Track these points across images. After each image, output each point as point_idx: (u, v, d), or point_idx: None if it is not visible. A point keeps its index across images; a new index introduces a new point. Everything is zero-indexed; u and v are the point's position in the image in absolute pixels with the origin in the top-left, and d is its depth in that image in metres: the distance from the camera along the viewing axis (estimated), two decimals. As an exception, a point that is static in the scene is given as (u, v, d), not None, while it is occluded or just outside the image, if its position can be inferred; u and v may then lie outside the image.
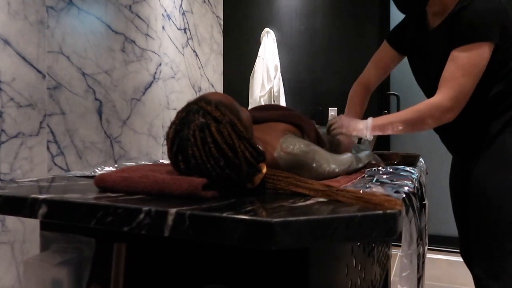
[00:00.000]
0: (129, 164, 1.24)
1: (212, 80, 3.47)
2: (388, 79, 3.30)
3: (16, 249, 1.69)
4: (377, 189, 0.86)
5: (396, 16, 1.59)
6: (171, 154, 0.79)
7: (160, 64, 2.67)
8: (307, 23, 3.38)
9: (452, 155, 1.54)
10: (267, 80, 3.32)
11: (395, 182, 0.99)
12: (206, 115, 0.77)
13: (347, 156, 1.16)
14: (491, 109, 1.29)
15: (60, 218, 0.74)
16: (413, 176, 1.14)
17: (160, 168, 0.89)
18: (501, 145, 1.27)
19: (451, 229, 2.05)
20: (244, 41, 3.56)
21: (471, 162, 1.34)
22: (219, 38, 3.60)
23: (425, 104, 1.25)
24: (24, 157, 1.72)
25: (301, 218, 0.61)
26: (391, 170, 1.23)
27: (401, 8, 1.37)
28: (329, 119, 3.21)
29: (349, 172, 1.15)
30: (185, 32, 3.08)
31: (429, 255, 1.71)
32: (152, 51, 2.57)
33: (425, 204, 1.16)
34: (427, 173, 1.58)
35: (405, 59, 1.54)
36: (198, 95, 2.61)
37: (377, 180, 1.01)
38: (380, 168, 1.27)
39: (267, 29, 3.41)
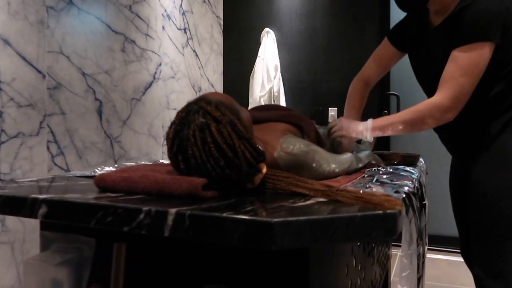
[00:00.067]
0: (129, 164, 1.24)
1: (212, 80, 3.47)
2: (388, 79, 3.30)
3: (16, 249, 1.69)
4: (377, 189, 0.86)
5: (396, 16, 1.59)
6: (171, 154, 0.79)
7: (160, 64, 2.67)
8: (307, 23, 3.38)
9: (451, 155, 1.54)
10: (267, 80, 3.32)
11: (395, 182, 0.99)
12: (206, 115, 0.77)
13: (347, 156, 1.16)
14: (491, 109, 1.29)
15: (60, 218, 0.74)
16: (413, 176, 1.14)
17: (160, 168, 0.89)
18: (501, 145, 1.26)
19: (451, 229, 2.05)
20: (244, 41, 3.56)
21: (471, 162, 1.34)
22: (219, 38, 3.60)
23: (424, 104, 1.25)
24: (24, 157, 1.72)
25: (301, 218, 0.61)
26: (391, 170, 1.23)
27: (401, 6, 1.37)
28: (329, 119, 3.21)
29: (349, 172, 1.15)
30: (185, 32, 3.08)
31: (429, 255, 1.71)
32: (152, 51, 2.57)
33: (425, 204, 1.16)
34: (427, 173, 1.58)
35: (406, 59, 1.54)
36: (198, 95, 2.61)
37: (377, 180, 1.01)
38: (380, 168, 1.27)
39: (267, 29, 3.41)
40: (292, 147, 0.97)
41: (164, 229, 0.65)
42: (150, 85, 2.55)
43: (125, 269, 0.80)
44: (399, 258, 1.02)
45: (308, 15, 3.37)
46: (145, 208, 0.66)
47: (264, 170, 0.81)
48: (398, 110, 3.05)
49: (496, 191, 1.25)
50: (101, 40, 2.15)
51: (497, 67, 1.24)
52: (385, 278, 1.58)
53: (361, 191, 0.72)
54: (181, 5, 3.02)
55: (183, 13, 3.05)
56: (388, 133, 1.28)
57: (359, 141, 1.42)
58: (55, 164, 1.88)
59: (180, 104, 2.66)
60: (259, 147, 0.81)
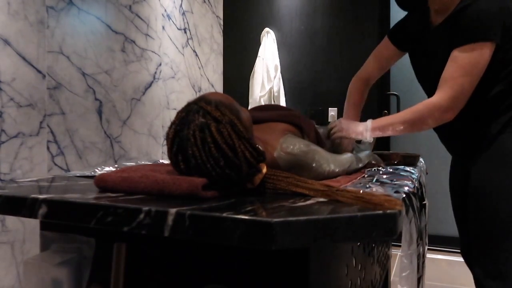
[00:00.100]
0: (129, 164, 1.24)
1: (212, 80, 3.47)
2: (388, 79, 3.30)
3: (16, 249, 1.69)
4: (377, 189, 0.86)
5: (396, 16, 1.59)
6: (171, 154, 0.79)
7: (160, 64, 2.67)
8: (307, 23, 3.38)
9: (451, 155, 1.54)
10: (267, 80, 3.32)
11: (395, 182, 0.99)
12: (206, 115, 0.78)
13: (347, 156, 1.16)
14: (491, 109, 1.29)
15: (60, 218, 0.74)
16: (413, 176, 1.14)
17: (160, 168, 0.89)
18: (501, 145, 1.27)
19: (451, 229, 2.05)
20: (244, 41, 3.56)
21: (471, 162, 1.34)
22: (219, 38, 3.60)
23: (424, 104, 1.25)
24: (24, 157, 1.72)
25: (301, 218, 0.61)
26: (391, 170, 1.23)
27: (401, 5, 1.37)
28: (329, 119, 3.21)
29: (349, 172, 1.15)
30: (185, 32, 3.08)
31: (429, 255, 1.71)
32: (152, 51, 2.57)
33: (425, 204, 1.16)
34: (427, 173, 1.58)
35: (406, 59, 1.54)
36: (198, 95, 2.61)
37: (377, 180, 1.01)
38: (380, 168, 1.27)
39: (267, 29, 3.41)
40: (292, 147, 0.97)
41: (164, 229, 0.65)
42: (150, 85, 2.55)
43: (125, 269, 0.80)
44: (399, 258, 1.02)
45: (308, 15, 3.37)
46: (145, 208, 0.66)
47: (264, 170, 0.81)
48: (398, 110, 3.05)
49: (496, 191, 1.25)
50: (101, 40, 2.15)
51: (497, 67, 1.24)
52: (385, 278, 1.58)
53: (361, 191, 0.72)
54: (181, 5, 3.02)
55: (183, 13, 3.05)
56: (388, 133, 1.29)
57: (359, 141, 1.42)
58: (55, 164, 1.88)
59: (180, 104, 2.66)
60: (259, 147, 0.81)
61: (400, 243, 0.98)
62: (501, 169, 1.26)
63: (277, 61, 3.37)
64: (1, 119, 1.63)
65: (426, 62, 1.40)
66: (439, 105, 1.22)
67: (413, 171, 1.22)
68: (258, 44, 3.43)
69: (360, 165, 1.22)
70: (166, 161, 1.24)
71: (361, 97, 1.56)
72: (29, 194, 0.76)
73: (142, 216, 0.66)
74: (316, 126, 1.24)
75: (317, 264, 0.72)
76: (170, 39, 2.86)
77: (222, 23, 3.64)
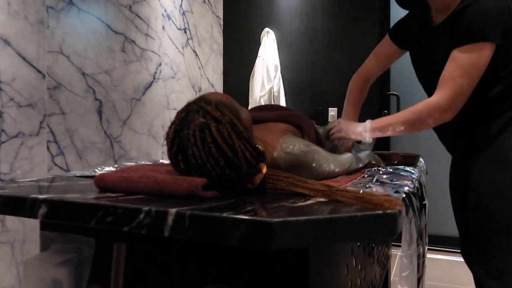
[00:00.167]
0: (129, 164, 1.24)
1: (212, 80, 3.47)
2: (388, 79, 3.30)
3: (16, 249, 1.69)
4: (377, 189, 0.86)
5: (396, 16, 1.59)
6: (171, 154, 0.79)
7: (160, 64, 2.67)
8: (307, 23, 3.38)
9: (451, 155, 1.54)
10: (267, 80, 3.32)
11: (395, 182, 0.99)
12: (206, 115, 0.78)
13: (347, 156, 1.16)
14: (491, 109, 1.29)
15: (60, 218, 0.74)
16: (413, 176, 1.14)
17: (160, 168, 0.89)
18: (501, 145, 1.26)
19: (451, 229, 2.05)
20: (244, 41, 3.56)
21: (471, 162, 1.34)
22: (219, 38, 3.60)
23: (423, 104, 1.25)
24: (24, 157, 1.72)
25: (301, 218, 0.61)
26: (391, 170, 1.23)
27: (400, 3, 1.37)
28: (329, 119, 3.21)
29: (349, 172, 1.15)
30: (185, 32, 3.08)
31: (429, 255, 1.71)
32: (152, 51, 2.57)
33: (425, 204, 1.16)
34: (427, 173, 1.58)
35: (406, 59, 1.54)
36: (198, 95, 2.60)
37: (377, 180, 1.01)
38: (380, 168, 1.27)
39: (267, 29, 3.41)
40: (292, 147, 0.97)
41: (164, 229, 0.65)
42: (150, 85, 2.55)
43: (125, 269, 0.80)
44: (399, 258, 1.02)
45: (308, 15, 3.37)
46: (145, 208, 0.66)
47: (264, 170, 0.81)
48: (398, 110, 3.05)
49: (495, 191, 1.25)
50: (101, 40, 2.15)
51: (497, 67, 1.24)
52: (385, 278, 1.58)
53: (361, 191, 0.72)
54: (181, 5, 3.02)
55: (183, 13, 3.05)
56: (387, 133, 1.29)
57: (359, 141, 1.42)
58: (55, 164, 1.88)
59: (180, 104, 2.66)
60: (259, 147, 0.81)
61: (400, 243, 0.98)
62: (501, 169, 1.26)
63: (277, 61, 3.37)
64: (1, 119, 1.63)
65: (426, 61, 1.40)
66: (438, 105, 1.22)
67: (413, 171, 1.22)
68: (258, 44, 3.43)
69: (360, 165, 1.22)
70: (166, 161, 1.24)
71: (361, 95, 1.56)
72: (29, 194, 0.76)
73: (142, 216, 0.66)
74: (316, 126, 1.24)
75: (317, 264, 0.72)
76: (170, 39, 2.86)
77: (222, 23, 3.64)
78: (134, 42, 2.39)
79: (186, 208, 0.64)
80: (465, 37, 1.21)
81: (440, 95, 1.22)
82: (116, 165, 1.24)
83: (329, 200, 0.74)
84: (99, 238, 0.85)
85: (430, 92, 1.36)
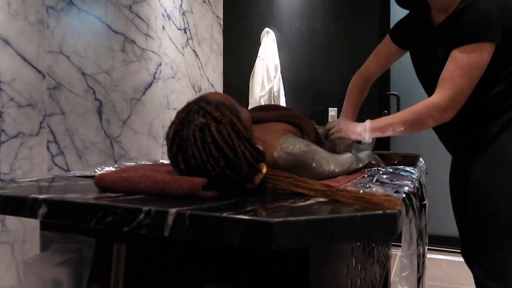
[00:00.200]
0: (129, 164, 1.24)
1: (212, 80, 3.47)
2: (388, 79, 3.30)
3: (16, 249, 1.69)
4: (377, 189, 0.86)
5: (396, 16, 1.59)
6: (171, 154, 0.79)
7: (160, 64, 2.67)
8: (307, 23, 3.38)
9: (451, 155, 1.54)
10: (267, 80, 3.32)
11: (395, 182, 0.99)
12: (206, 115, 0.78)
13: (347, 156, 1.16)
14: (491, 109, 1.29)
15: (60, 218, 0.74)
16: (413, 176, 1.14)
17: (160, 168, 0.89)
18: (501, 145, 1.27)
19: (451, 229, 2.05)
20: (244, 41, 3.56)
21: (471, 162, 1.34)
22: (219, 38, 3.60)
23: (423, 104, 1.25)
24: (24, 157, 1.72)
25: (301, 218, 0.61)
26: (391, 170, 1.23)
27: (400, 3, 1.38)
28: (329, 119, 3.21)
29: (349, 172, 1.15)
30: (185, 32, 3.08)
31: (429, 255, 1.71)
32: (152, 51, 2.57)
33: (425, 204, 1.16)
34: (427, 173, 1.58)
35: (406, 59, 1.54)
36: (198, 95, 2.61)
37: (377, 180, 1.01)
38: (380, 168, 1.27)
39: (267, 29, 3.41)
40: (292, 147, 0.97)
41: (164, 229, 0.64)
42: (150, 85, 2.55)
43: (125, 269, 0.80)
44: (399, 258, 1.02)
45: (308, 15, 3.37)
46: (145, 208, 0.66)
47: (264, 170, 0.81)
48: (398, 110, 3.05)
49: (495, 191, 1.25)
50: (101, 40, 2.15)
51: (498, 67, 1.24)
52: (385, 278, 1.58)
53: (361, 191, 0.72)
54: (181, 5, 3.02)
55: (183, 13, 3.05)
56: (387, 133, 1.29)
57: (358, 141, 1.42)
58: (55, 164, 1.88)
59: (180, 104, 2.66)
60: (259, 147, 0.81)
61: (400, 243, 0.98)
62: (501, 169, 1.26)
63: (277, 61, 3.37)
64: (1, 119, 1.63)
65: (426, 61, 1.40)
66: (438, 105, 1.22)
67: (413, 171, 1.22)
68: (258, 44, 3.43)
69: (360, 165, 1.22)
70: (166, 161, 1.24)
71: (360, 94, 1.57)
72: (29, 194, 0.76)
73: (142, 216, 0.66)
74: (316, 126, 1.24)
75: (317, 264, 0.72)
76: (170, 39, 2.86)
77: (222, 23, 3.64)
78: (134, 42, 2.39)
79: (186, 208, 0.64)
80: (465, 37, 1.21)
81: (439, 95, 1.23)
82: (116, 165, 1.24)
83: (329, 200, 0.74)
84: (99, 238, 0.85)
85: (430, 92, 1.36)
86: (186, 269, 0.78)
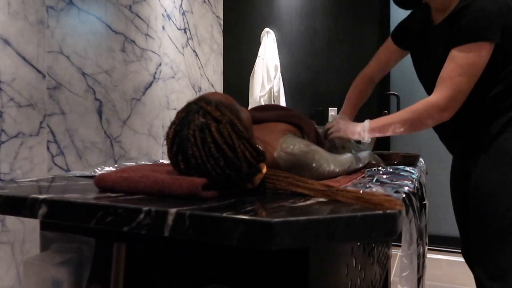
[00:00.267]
0: (129, 164, 1.24)
1: (212, 80, 3.47)
2: (388, 79, 3.30)
3: (16, 249, 1.69)
4: (377, 189, 0.86)
5: (396, 16, 1.60)
6: (171, 154, 0.79)
7: (160, 64, 2.67)
8: (307, 23, 3.38)
9: (452, 155, 1.54)
10: (267, 80, 3.32)
11: (395, 182, 0.99)
12: (206, 115, 0.78)
13: (347, 156, 1.16)
14: (491, 109, 1.29)
15: (60, 218, 0.74)
16: (413, 176, 1.14)
17: (160, 168, 0.89)
18: (501, 145, 1.26)
19: (451, 229, 2.05)
20: (244, 41, 3.56)
21: (472, 162, 1.34)
22: (219, 38, 3.60)
23: (422, 104, 1.25)
24: (24, 157, 1.72)
25: (301, 218, 0.61)
26: (391, 170, 1.23)
27: (398, 3, 1.38)
28: (329, 119, 3.21)
29: (349, 172, 1.15)
30: (185, 32, 3.08)
31: (429, 255, 1.71)
32: (152, 51, 2.57)
33: (425, 204, 1.16)
34: (427, 173, 1.58)
35: (406, 59, 1.54)
36: (198, 95, 2.60)
37: (377, 180, 1.01)
38: (380, 168, 1.27)
39: (267, 29, 3.41)
40: (292, 147, 0.97)
41: (164, 229, 0.64)
42: (150, 85, 2.55)
43: (125, 269, 0.80)
44: (399, 258, 1.02)
45: (308, 15, 3.37)
46: (145, 208, 0.66)
47: (264, 170, 0.81)
48: (398, 110, 3.04)
49: (496, 191, 1.25)
50: (101, 40, 2.15)
51: (497, 67, 1.24)
52: (385, 278, 1.58)
53: (361, 191, 0.72)
54: (181, 5, 3.02)
55: (183, 13, 3.05)
56: (386, 133, 1.29)
57: (358, 141, 1.42)
58: (55, 164, 1.88)
59: (180, 104, 2.66)
60: (259, 147, 0.81)
61: (400, 243, 0.98)
62: (501, 169, 1.26)
63: (277, 61, 3.37)
64: (1, 119, 1.63)
65: (426, 61, 1.40)
66: (437, 105, 1.22)
67: (413, 171, 1.22)
68: (258, 44, 3.43)
69: (360, 165, 1.22)
70: (166, 161, 1.24)
71: (360, 95, 1.57)
72: (29, 194, 0.76)
73: (142, 216, 0.66)
74: (316, 126, 1.25)
75: (317, 264, 0.72)
76: (170, 39, 2.86)
77: (222, 23, 3.64)
78: (134, 42, 2.39)
79: (186, 208, 0.64)
80: (463, 36, 1.21)
81: (438, 95, 1.23)
82: (116, 165, 1.24)
83: (329, 200, 0.74)
84: (99, 238, 0.85)
85: (430, 92, 1.36)
86: (186, 269, 0.78)
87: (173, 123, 0.80)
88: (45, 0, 1.81)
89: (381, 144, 2.58)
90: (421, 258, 1.12)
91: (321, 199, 0.75)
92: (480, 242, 1.30)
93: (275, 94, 3.32)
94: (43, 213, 0.74)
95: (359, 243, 1.01)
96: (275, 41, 3.41)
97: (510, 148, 1.25)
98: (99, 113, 2.14)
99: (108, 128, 2.19)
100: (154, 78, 2.59)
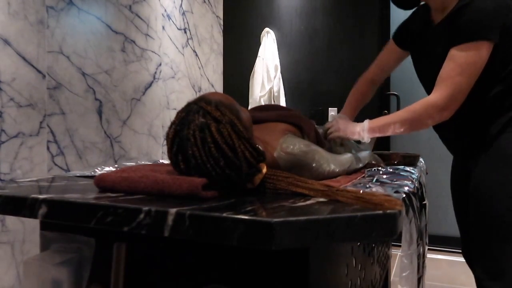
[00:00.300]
0: (129, 164, 1.24)
1: (212, 80, 3.47)
2: (388, 79, 3.30)
3: (16, 249, 1.69)
4: (377, 189, 0.86)
5: (396, 16, 1.60)
6: (171, 154, 0.79)
7: (160, 64, 2.67)
8: (307, 23, 3.38)
9: (453, 155, 1.54)
10: (267, 80, 3.32)
11: (395, 182, 0.99)
12: (206, 115, 0.78)
13: (347, 156, 1.16)
14: (491, 109, 1.29)
15: (60, 218, 0.74)
16: (413, 176, 1.14)
17: (160, 168, 0.89)
18: (502, 145, 1.26)
19: (451, 229, 2.05)
20: (244, 41, 3.56)
21: (472, 162, 1.34)
22: (219, 38, 3.60)
23: (421, 103, 1.25)
24: (24, 157, 1.72)
25: (301, 218, 0.61)
26: (391, 170, 1.23)
27: (396, 3, 1.38)
28: (329, 119, 3.21)
29: (349, 172, 1.15)
30: (185, 32, 3.08)
31: (429, 255, 1.71)
32: (152, 51, 2.57)
33: (425, 204, 1.16)
34: (427, 173, 1.58)
35: (407, 59, 1.54)
36: (198, 95, 2.60)
37: (377, 180, 1.01)
38: (380, 168, 1.27)
39: (267, 29, 3.41)
40: (292, 147, 0.97)
41: (164, 229, 0.64)
42: (150, 85, 2.55)
43: (125, 269, 0.80)
44: (399, 258, 1.02)
45: (308, 15, 3.37)
46: (145, 208, 0.66)
47: (264, 170, 0.81)
48: (398, 110, 3.05)
49: (496, 191, 1.25)
50: (101, 40, 2.15)
51: (497, 67, 1.24)
52: (385, 278, 1.58)
53: (361, 191, 0.72)
54: (181, 5, 3.02)
55: (183, 13, 3.05)
56: (385, 133, 1.29)
57: (358, 141, 1.42)
58: (55, 164, 1.88)
59: (180, 104, 2.65)
60: (259, 147, 0.81)
61: (400, 243, 0.98)
62: (501, 169, 1.26)
63: (277, 61, 3.37)
64: (1, 119, 1.63)
65: (426, 61, 1.40)
66: (436, 104, 1.22)
67: (413, 171, 1.22)
68: (258, 44, 3.43)
69: (360, 165, 1.22)
70: (166, 161, 1.24)
71: (361, 95, 1.57)
72: (29, 194, 0.76)
73: (142, 216, 0.66)
74: (316, 126, 1.25)
75: (317, 264, 0.71)
76: (170, 39, 2.86)
77: (222, 23, 3.64)
78: (134, 42, 2.39)
79: (186, 208, 0.64)
80: (462, 36, 1.21)
81: (438, 94, 1.23)
82: (116, 165, 1.24)
83: (329, 200, 0.74)
84: (99, 238, 0.85)
85: (430, 92, 1.36)
86: (186, 269, 0.78)
87: (173, 123, 0.80)
88: (45, 0, 1.81)
89: (381, 144, 2.58)
90: (421, 258, 1.12)
91: (321, 199, 0.75)
92: (481, 242, 1.29)
93: (275, 94, 3.32)
94: (43, 213, 0.74)
95: (359, 243, 1.01)
96: (275, 41, 3.41)
97: (510, 148, 1.25)
98: (99, 113, 2.14)
99: (108, 128, 2.19)
100: (154, 78, 2.59)
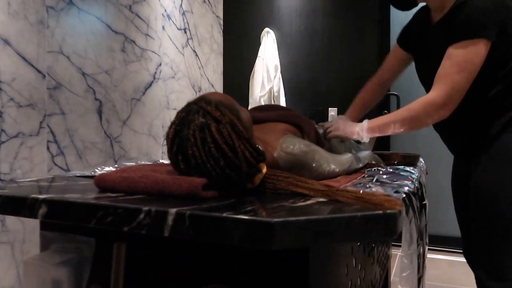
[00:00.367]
0: (129, 164, 1.24)
1: (212, 80, 3.47)
2: (388, 79, 3.30)
3: (16, 249, 1.69)
4: (377, 189, 0.86)
5: (396, 16, 1.60)
6: (171, 154, 0.79)
7: (160, 64, 2.67)
8: (307, 23, 3.38)
9: (453, 155, 1.54)
10: (267, 80, 3.32)
11: (395, 182, 0.99)
12: (206, 115, 0.78)
13: (347, 156, 1.16)
14: (491, 109, 1.29)
15: (60, 218, 0.74)
16: (413, 176, 1.14)
17: (160, 168, 0.89)
18: (502, 145, 1.26)
19: (451, 229, 2.05)
20: (244, 41, 3.56)
21: (472, 162, 1.34)
22: (219, 38, 3.60)
23: (419, 102, 1.25)
24: (24, 157, 1.72)
25: (301, 218, 0.61)
26: (391, 170, 1.23)
27: (395, 4, 1.39)
28: (329, 119, 3.21)
29: (349, 172, 1.15)
30: (185, 32, 3.08)
31: (429, 255, 1.71)
32: (152, 51, 2.57)
33: (425, 204, 1.16)
34: (427, 173, 1.58)
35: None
36: (198, 95, 2.60)
37: (377, 180, 1.01)
38: (380, 168, 1.27)
39: (267, 29, 3.41)
40: (292, 147, 0.97)
41: (164, 229, 0.64)
42: (150, 85, 2.55)
43: (125, 269, 0.80)
44: (399, 258, 1.02)
45: (308, 15, 3.37)
46: (145, 208, 0.66)
47: (264, 170, 0.81)
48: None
49: (497, 191, 1.25)
50: (101, 40, 2.15)
51: (496, 66, 1.24)
52: (385, 278, 1.58)
53: (361, 191, 0.72)
54: (181, 5, 3.02)
55: (183, 13, 3.05)
56: (385, 133, 1.29)
57: (358, 141, 1.42)
58: (55, 164, 1.88)
59: (180, 104, 2.65)
60: (259, 147, 0.81)
61: (400, 243, 0.98)
62: (502, 169, 1.25)
63: (277, 61, 3.37)
64: (1, 119, 1.63)
65: (425, 60, 1.40)
66: (434, 102, 1.22)
67: (413, 171, 1.22)
68: (258, 44, 3.43)
69: (360, 165, 1.22)
70: (166, 161, 1.24)
71: (367, 98, 1.59)
72: (29, 194, 0.76)
73: (142, 216, 0.66)
74: (316, 126, 1.25)
75: (317, 264, 0.71)
76: (170, 39, 2.86)
77: (222, 23, 3.64)
78: (134, 42, 2.39)
79: (186, 208, 0.64)
80: (459, 34, 1.21)
81: (436, 92, 1.23)
82: (116, 165, 1.24)
83: (329, 200, 0.74)
84: (99, 238, 0.85)
85: (429, 91, 1.36)
86: (186, 269, 0.78)
87: (173, 123, 0.80)
88: (45, 0, 1.81)
89: (381, 144, 2.58)
90: (421, 258, 1.12)
91: (321, 199, 0.75)
92: (481, 242, 1.29)
93: (275, 94, 3.32)
94: (43, 213, 0.74)
95: (359, 243, 1.01)
96: (275, 41, 3.41)
97: (510, 148, 1.25)
98: (99, 113, 2.14)
99: (108, 128, 2.19)
100: (154, 78, 2.59)
